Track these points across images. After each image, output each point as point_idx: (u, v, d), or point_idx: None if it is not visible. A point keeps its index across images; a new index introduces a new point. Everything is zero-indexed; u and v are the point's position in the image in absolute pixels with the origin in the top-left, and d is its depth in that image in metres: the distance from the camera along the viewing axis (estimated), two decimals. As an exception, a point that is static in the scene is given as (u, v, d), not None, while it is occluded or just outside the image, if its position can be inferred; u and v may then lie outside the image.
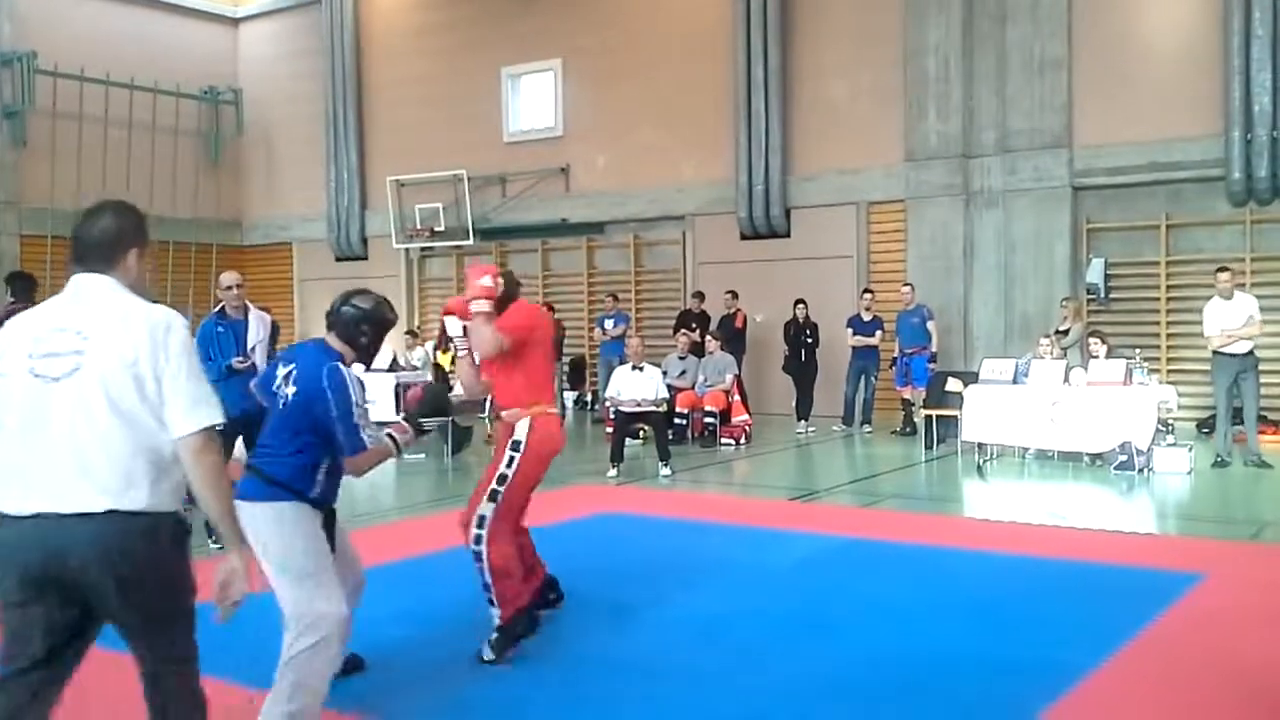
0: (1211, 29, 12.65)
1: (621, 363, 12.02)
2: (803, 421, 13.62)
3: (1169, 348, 13.06)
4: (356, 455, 3.94)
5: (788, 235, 15.59)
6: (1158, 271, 13.21)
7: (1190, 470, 9.84)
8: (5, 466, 2.80)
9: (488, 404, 6.30)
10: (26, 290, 9.11)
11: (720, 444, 12.42)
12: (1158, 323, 13.19)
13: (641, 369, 11.24)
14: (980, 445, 10.81)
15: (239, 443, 6.47)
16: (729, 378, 12.90)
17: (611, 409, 11.31)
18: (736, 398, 12.92)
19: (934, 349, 13.08)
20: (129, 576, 2.77)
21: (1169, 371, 12.77)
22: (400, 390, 10.94)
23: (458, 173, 17.92)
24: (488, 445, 11.11)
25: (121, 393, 2.77)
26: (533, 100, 18.08)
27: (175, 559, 2.90)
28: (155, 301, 2.95)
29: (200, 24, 20.91)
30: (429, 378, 12.06)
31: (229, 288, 7.30)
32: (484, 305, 4.85)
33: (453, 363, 7.83)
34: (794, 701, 4.37)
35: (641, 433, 12.09)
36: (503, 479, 4.89)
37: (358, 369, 4.25)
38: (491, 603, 4.82)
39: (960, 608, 5.64)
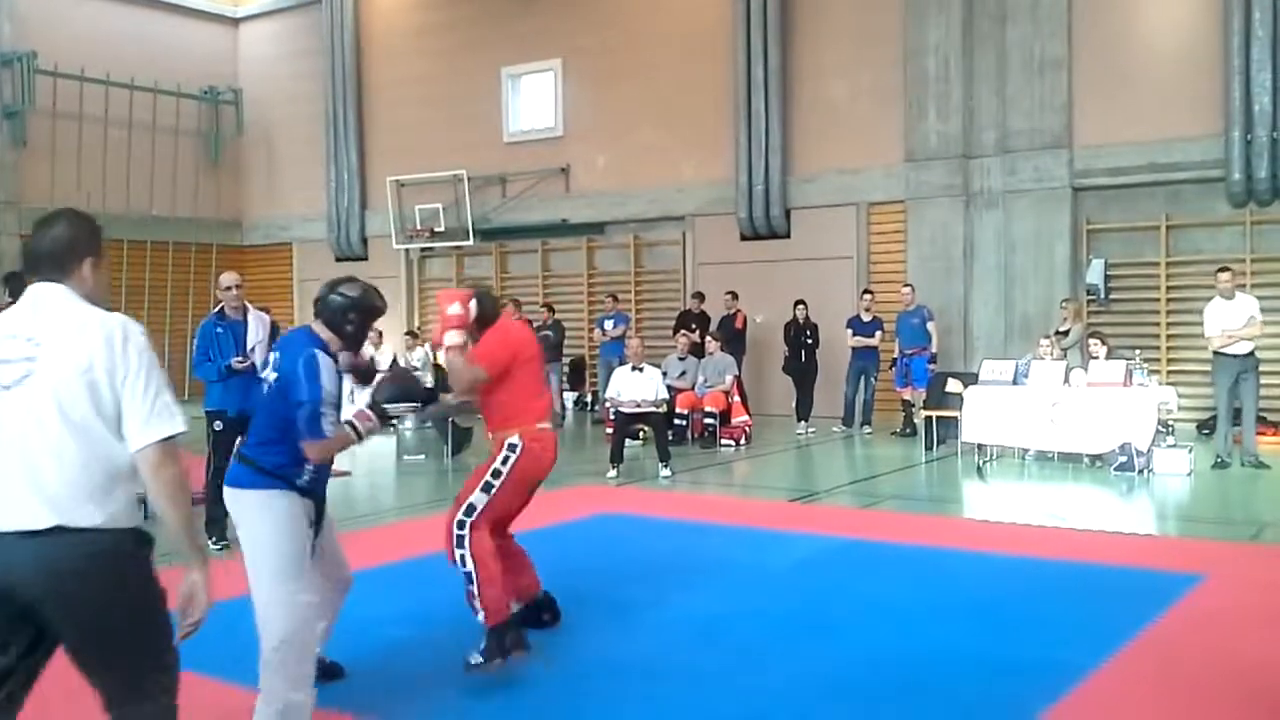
0: (1211, 29, 12.65)
1: (621, 363, 12.01)
2: (803, 422, 13.61)
3: (1169, 349, 13.05)
4: (314, 441, 3.85)
5: (788, 236, 15.57)
6: (1158, 272, 13.20)
7: (1190, 471, 9.83)
8: None
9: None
10: (24, 290, 9.07)
11: (720, 445, 12.40)
12: (1158, 324, 13.18)
13: (641, 370, 11.23)
14: (980, 446, 10.81)
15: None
16: (729, 378, 12.89)
17: (611, 410, 11.30)
18: (736, 398, 12.92)
19: (934, 350, 13.06)
20: (77, 597, 2.60)
21: (1169, 372, 12.75)
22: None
23: (458, 173, 17.91)
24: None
25: (74, 401, 2.65)
26: (533, 100, 18.07)
27: (133, 579, 2.70)
28: (111, 310, 2.84)
29: (200, 24, 20.91)
30: (429, 378, 12.05)
31: (229, 288, 7.29)
32: (455, 338, 4.56)
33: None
34: (794, 702, 4.37)
35: (641, 433, 12.08)
36: (497, 474, 4.73)
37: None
38: (475, 609, 4.62)
39: (960, 608, 5.64)
